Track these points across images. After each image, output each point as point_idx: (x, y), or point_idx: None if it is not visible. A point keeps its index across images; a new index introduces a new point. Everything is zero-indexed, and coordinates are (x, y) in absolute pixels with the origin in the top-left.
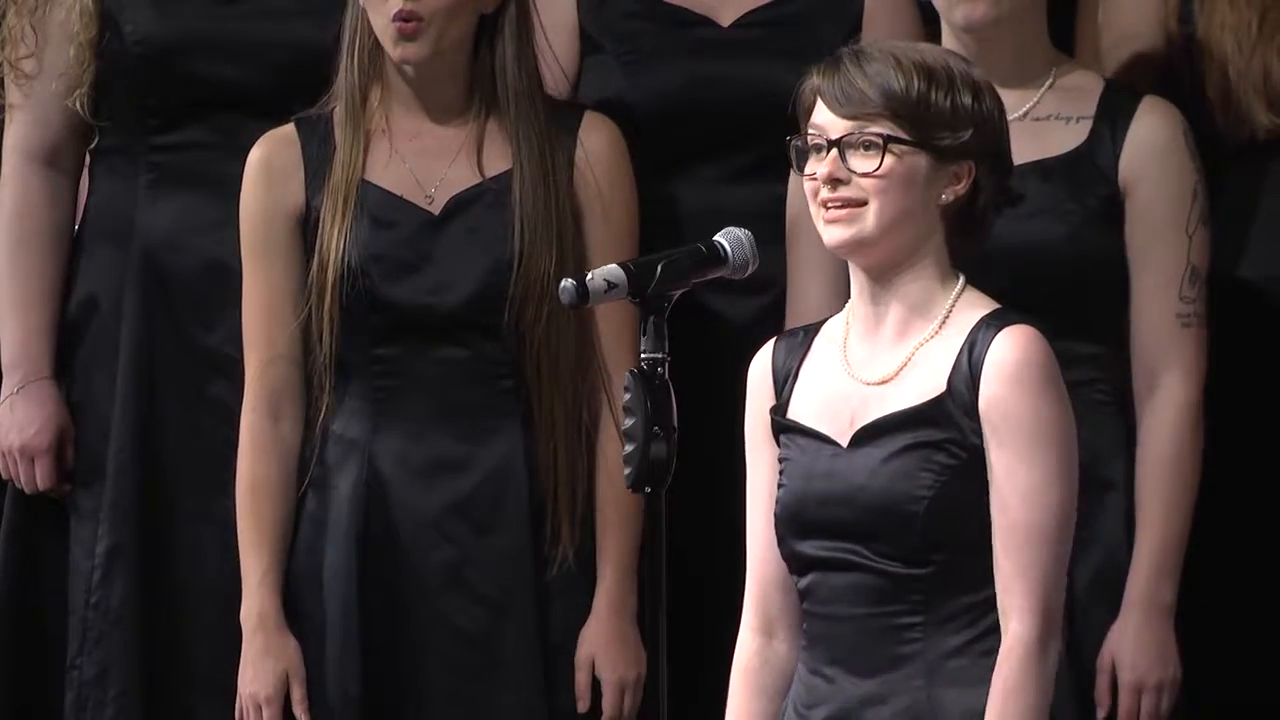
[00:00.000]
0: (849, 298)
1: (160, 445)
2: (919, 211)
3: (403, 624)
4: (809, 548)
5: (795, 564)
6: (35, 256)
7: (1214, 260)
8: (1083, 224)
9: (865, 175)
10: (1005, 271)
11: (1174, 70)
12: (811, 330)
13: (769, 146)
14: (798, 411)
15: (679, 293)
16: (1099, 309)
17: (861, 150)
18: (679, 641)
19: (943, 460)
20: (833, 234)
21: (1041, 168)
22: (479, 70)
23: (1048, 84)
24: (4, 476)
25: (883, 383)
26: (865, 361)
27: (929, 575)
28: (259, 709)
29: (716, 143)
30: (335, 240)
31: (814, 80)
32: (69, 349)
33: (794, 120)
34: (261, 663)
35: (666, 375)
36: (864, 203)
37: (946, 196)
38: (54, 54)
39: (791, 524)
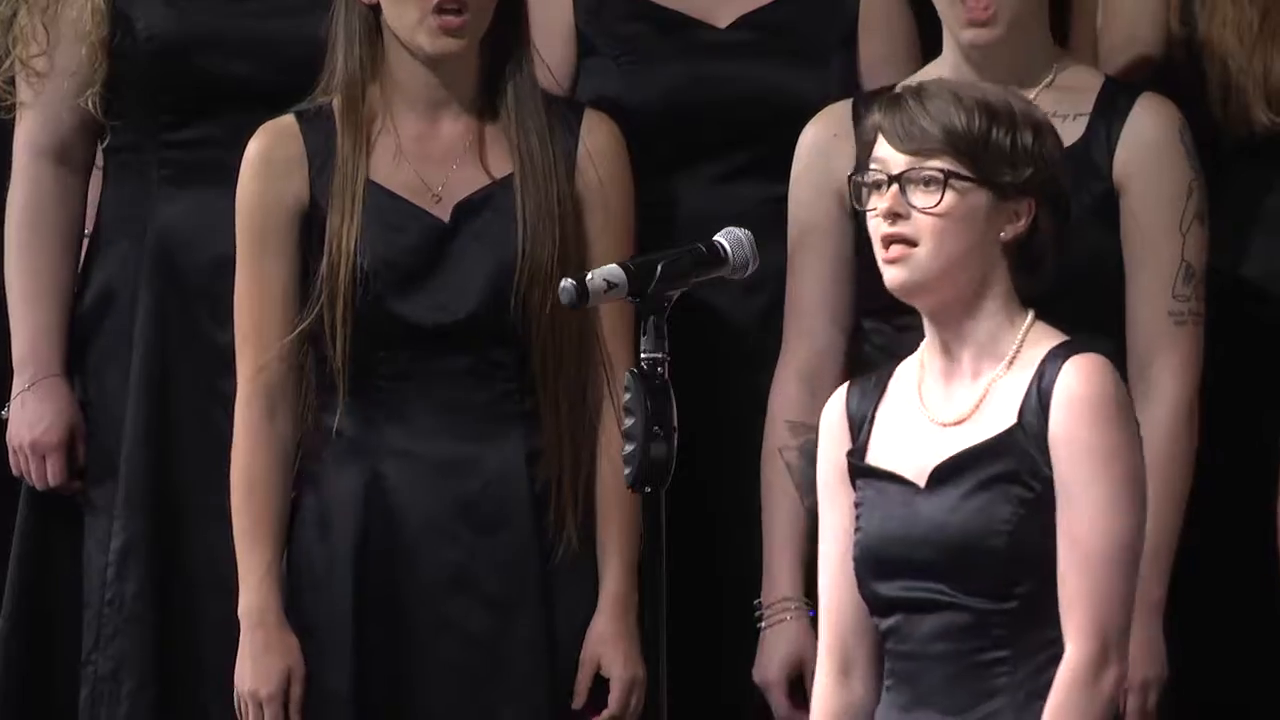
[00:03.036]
0: (848, 317)
1: (173, 442)
2: (978, 250)
3: (407, 626)
4: (891, 589)
5: (877, 606)
6: (46, 254)
7: (1214, 258)
8: (1077, 221)
9: (925, 211)
10: None
11: (1175, 68)
12: (885, 374)
13: (766, 147)
14: (875, 455)
15: (679, 293)
16: (1094, 305)
17: (922, 186)
18: (678, 641)
19: (1019, 493)
20: (892, 275)
21: None
22: (483, 69)
23: (1047, 81)
24: (15, 473)
25: (958, 423)
26: (940, 402)
27: (1013, 610)
28: (259, 706)
29: (714, 144)
30: (346, 244)
31: (875, 117)
32: (82, 346)
33: (792, 120)
34: (263, 659)
35: (666, 375)
36: (918, 243)
37: (1006, 234)
38: (65, 53)
39: (872, 566)
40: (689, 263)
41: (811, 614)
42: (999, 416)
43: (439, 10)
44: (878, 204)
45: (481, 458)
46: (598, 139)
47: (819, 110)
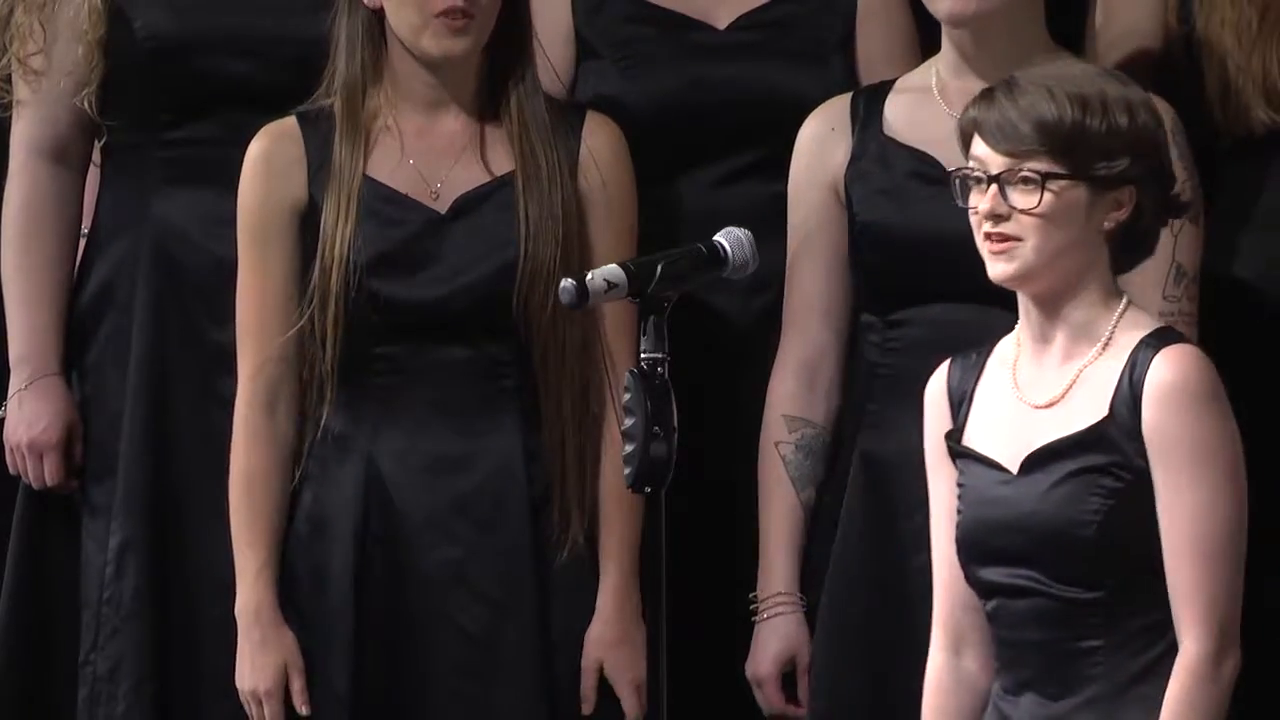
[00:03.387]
0: (845, 312)
1: (171, 441)
2: (1080, 242)
3: (404, 623)
4: (989, 574)
5: (979, 589)
6: (43, 253)
7: (1211, 258)
8: None
9: (1025, 212)
10: (981, 270)
11: (1173, 67)
12: (985, 351)
13: (767, 147)
14: (972, 436)
15: (679, 293)
16: None
17: (1020, 186)
18: (678, 641)
19: (1109, 484)
20: (996, 268)
21: None
22: (485, 68)
23: None
24: (13, 472)
25: (1049, 405)
26: (1033, 384)
27: (1103, 599)
28: (259, 703)
29: (715, 145)
30: (339, 246)
31: (970, 113)
32: (81, 345)
33: (792, 120)
34: (260, 656)
35: (666, 375)
36: (1022, 239)
37: (1109, 224)
38: (62, 51)
39: (971, 551)
40: (689, 263)
41: (804, 609)
42: (1091, 405)
43: (448, 14)
44: (978, 203)
45: (479, 454)
46: (600, 140)
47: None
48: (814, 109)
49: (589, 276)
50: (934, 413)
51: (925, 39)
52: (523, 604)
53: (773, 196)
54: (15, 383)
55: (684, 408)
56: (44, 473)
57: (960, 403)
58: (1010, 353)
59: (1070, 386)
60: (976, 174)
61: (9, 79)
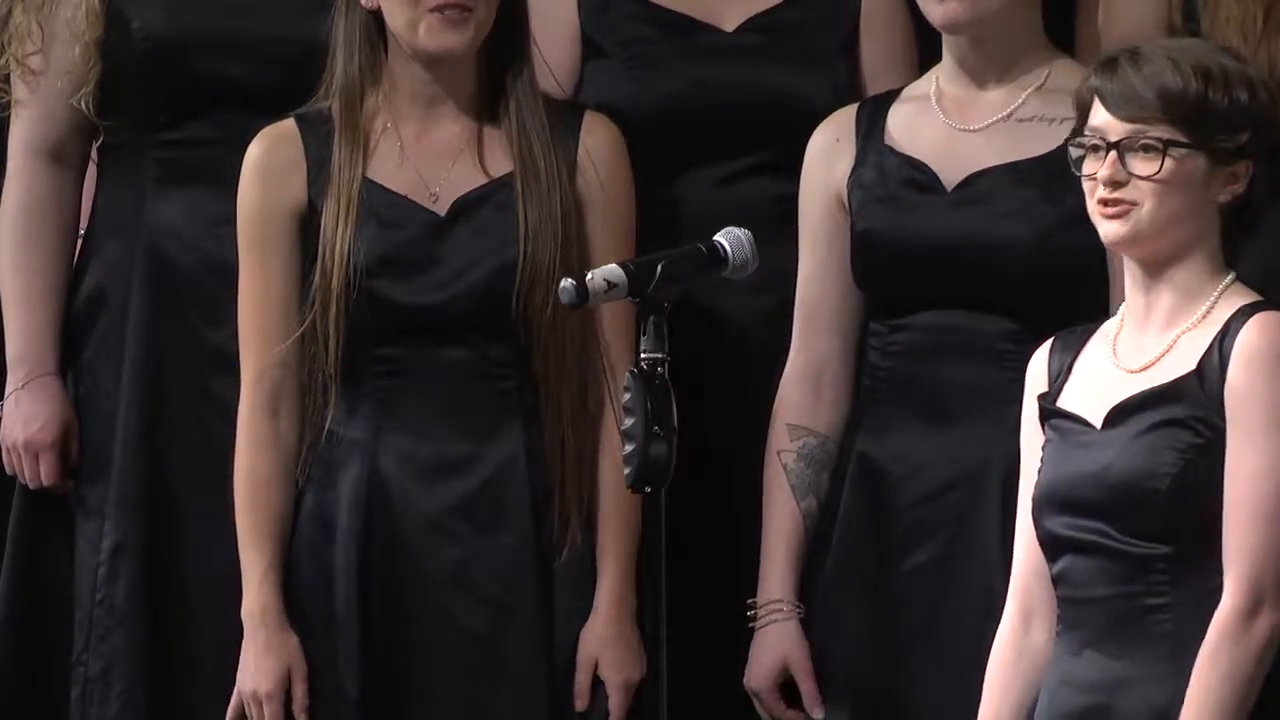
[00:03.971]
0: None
1: (166, 442)
2: (1195, 211)
3: (406, 624)
4: (1058, 525)
5: (1049, 546)
6: (40, 253)
7: None
8: (1054, 226)
9: (1144, 178)
10: (973, 273)
11: None
12: (1092, 327)
13: (773, 149)
14: (1064, 399)
15: (679, 293)
16: (1074, 309)
17: (1141, 153)
18: (682, 643)
19: (1188, 439)
20: (1109, 230)
21: (1016, 170)
22: (482, 68)
23: (1037, 85)
24: (8, 472)
25: (1142, 369)
26: (1132, 351)
27: (1172, 555)
28: (260, 705)
29: (720, 146)
30: (339, 247)
31: (1091, 81)
32: (76, 345)
33: (798, 123)
34: (263, 659)
35: (666, 375)
36: (1138, 204)
37: (1224, 196)
38: (60, 52)
39: (1045, 503)
40: (689, 263)
41: (801, 615)
42: (1179, 365)
43: (443, 8)
44: (1095, 170)
45: (481, 455)
46: (598, 140)
47: (825, 112)
48: (820, 112)
49: (589, 276)
50: (1032, 384)
51: (926, 47)
52: (525, 605)
53: (777, 198)
54: (12, 382)
55: (689, 409)
56: (40, 472)
57: (1059, 373)
58: (1113, 326)
59: (1165, 352)
60: (1094, 142)
61: (7, 79)
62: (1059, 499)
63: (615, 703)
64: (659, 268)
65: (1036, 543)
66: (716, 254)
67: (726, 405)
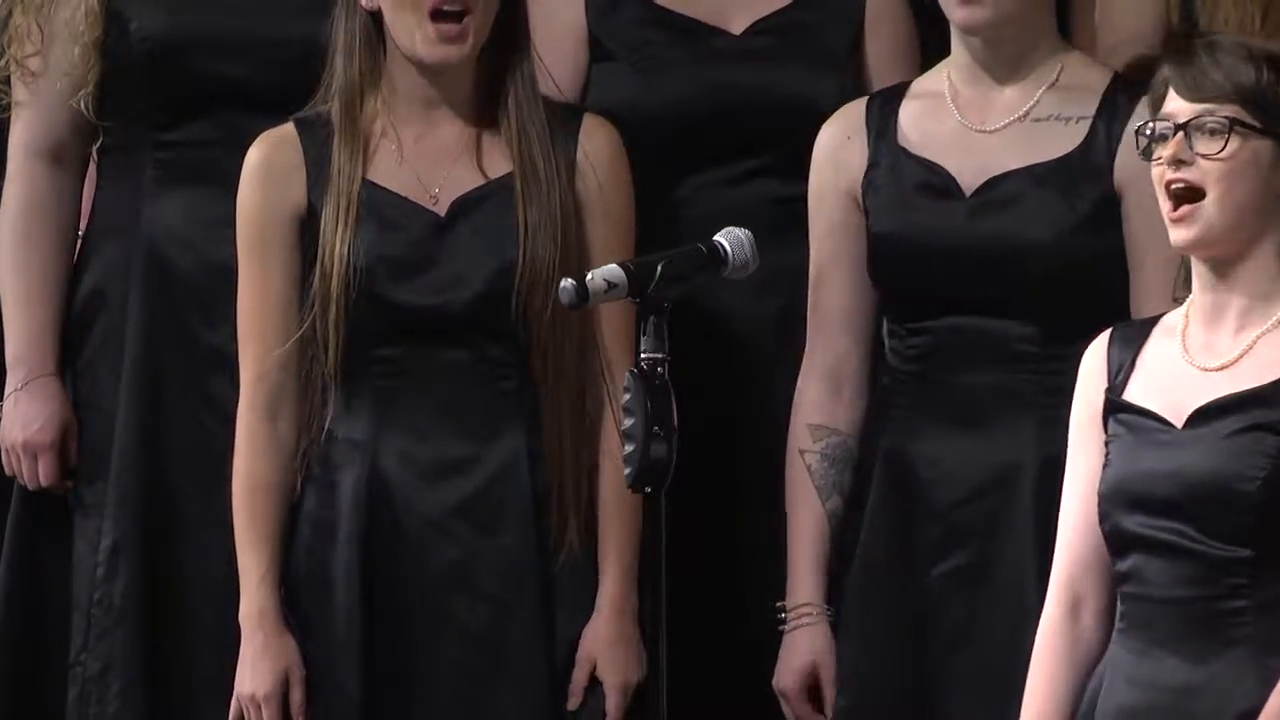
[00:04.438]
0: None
1: (164, 443)
2: (1260, 202)
3: (407, 624)
4: (1133, 524)
5: (1117, 543)
6: (40, 253)
7: None
8: (1073, 228)
9: (1209, 157)
10: (995, 277)
11: None
12: (1150, 322)
13: (781, 151)
14: (1133, 394)
15: (679, 293)
16: (1095, 312)
17: (1207, 135)
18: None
19: (1277, 443)
20: (1178, 234)
21: (1034, 173)
22: (482, 70)
23: (1050, 82)
24: (7, 473)
25: (1220, 369)
26: (1204, 349)
27: (1253, 558)
28: (258, 708)
29: (728, 148)
30: (339, 248)
31: (1164, 71)
32: (74, 345)
33: (807, 125)
34: (260, 662)
35: (666, 375)
36: (1203, 193)
37: None
38: (59, 53)
39: (1117, 500)
40: (689, 263)
41: (831, 618)
42: (1264, 368)
43: (435, 17)
44: (1163, 153)
45: (481, 456)
46: (597, 144)
47: (832, 114)
48: (827, 114)
49: (589, 276)
50: (1089, 381)
51: (926, 45)
52: (525, 605)
53: (783, 199)
54: (11, 383)
55: (695, 409)
56: (38, 473)
57: (1119, 369)
58: (1178, 322)
59: (1244, 353)
60: (1164, 128)
61: (7, 80)
62: (1132, 496)
63: (613, 704)
64: (659, 268)
65: (1084, 534)
66: (717, 254)
67: (730, 405)
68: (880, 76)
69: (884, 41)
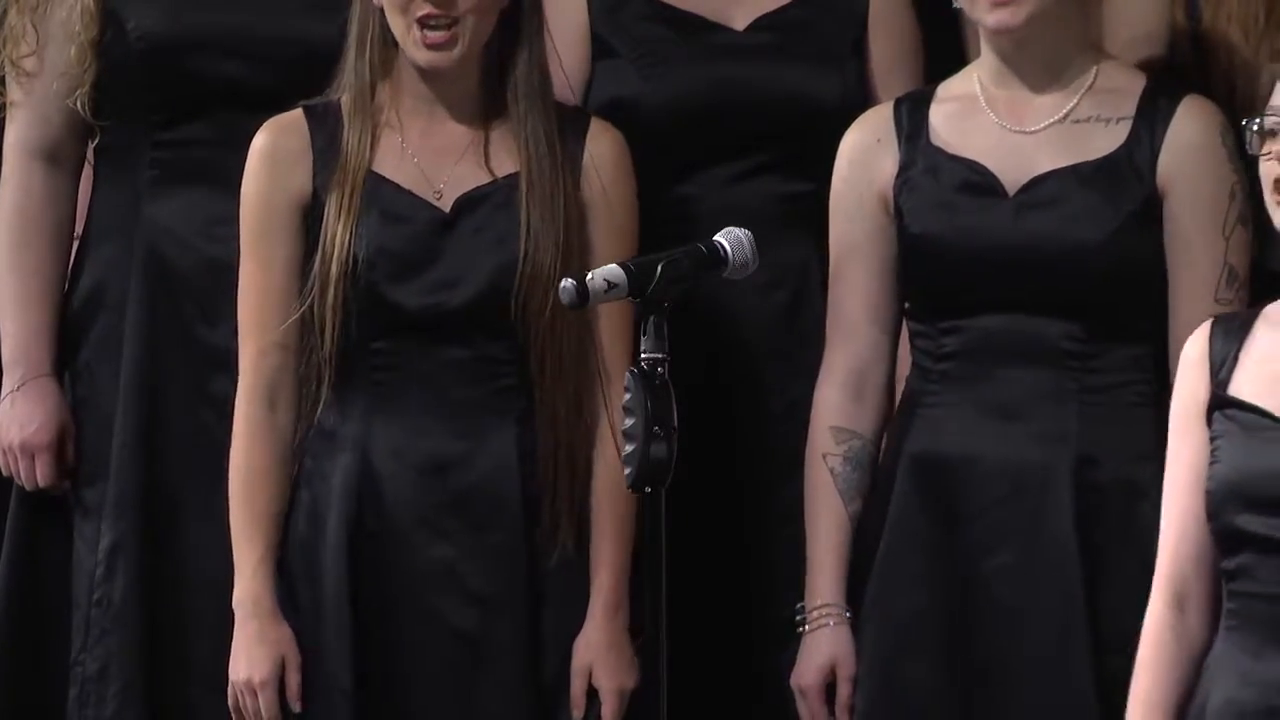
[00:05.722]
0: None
1: (163, 442)
2: None
3: (395, 619)
4: (1247, 523)
5: (1228, 541)
6: (36, 254)
7: None
8: (1119, 228)
9: None
10: (1040, 276)
11: (1181, 63)
12: (1252, 314)
13: (784, 148)
14: (1239, 389)
15: (679, 292)
16: (1137, 311)
17: None
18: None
19: None
20: None
21: (1078, 172)
22: (490, 68)
23: (1089, 84)
24: (5, 473)
25: None
26: None
27: None
28: (254, 694)
29: (732, 145)
30: (340, 234)
31: (1276, 66)
32: (73, 345)
33: (809, 122)
34: (256, 648)
35: (666, 375)
36: None
37: None
38: (55, 53)
39: (1230, 498)
40: (689, 263)
41: (850, 620)
42: None
43: (422, 24)
44: (1271, 148)
45: (475, 453)
46: (602, 147)
47: (835, 111)
48: (831, 111)
49: (589, 276)
50: (1191, 374)
51: (928, 47)
52: (514, 604)
53: (787, 196)
54: (8, 383)
55: (696, 409)
56: (36, 474)
57: (1223, 362)
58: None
59: None
60: (1273, 122)
61: (2, 80)
62: (1245, 494)
63: (609, 709)
64: (659, 268)
65: (1191, 531)
66: (716, 254)
67: (733, 405)
68: (884, 75)
69: (888, 43)
